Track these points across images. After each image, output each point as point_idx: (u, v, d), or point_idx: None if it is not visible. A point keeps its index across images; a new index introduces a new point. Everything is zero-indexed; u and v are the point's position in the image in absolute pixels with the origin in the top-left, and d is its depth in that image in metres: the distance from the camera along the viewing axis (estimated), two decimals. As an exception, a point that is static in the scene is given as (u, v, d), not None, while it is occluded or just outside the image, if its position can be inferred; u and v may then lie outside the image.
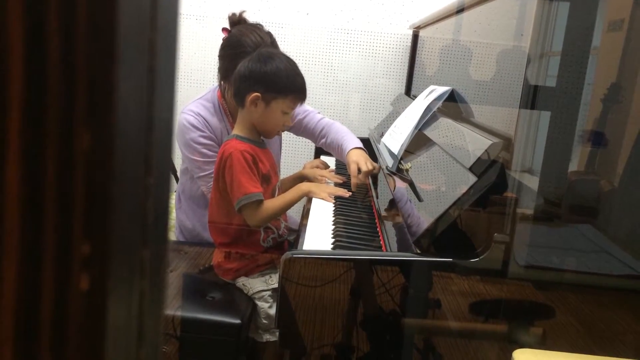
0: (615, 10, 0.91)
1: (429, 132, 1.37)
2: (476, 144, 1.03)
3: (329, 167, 1.86)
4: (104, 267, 0.16)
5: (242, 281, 1.45)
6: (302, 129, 1.83)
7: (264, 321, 1.43)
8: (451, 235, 0.99)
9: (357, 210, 1.45)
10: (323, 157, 2.02)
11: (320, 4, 2.31)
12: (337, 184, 1.64)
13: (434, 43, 1.91)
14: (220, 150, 1.41)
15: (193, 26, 2.33)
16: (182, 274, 1.59)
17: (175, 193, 1.93)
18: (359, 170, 1.53)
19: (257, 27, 1.60)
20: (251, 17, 1.67)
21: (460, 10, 1.49)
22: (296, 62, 1.45)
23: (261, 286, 1.44)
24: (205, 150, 1.60)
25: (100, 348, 0.16)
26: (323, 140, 1.79)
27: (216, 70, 1.67)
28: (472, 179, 0.97)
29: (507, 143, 0.96)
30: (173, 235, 1.88)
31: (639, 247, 0.90)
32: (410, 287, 0.99)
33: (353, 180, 1.52)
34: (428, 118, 1.41)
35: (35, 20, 0.15)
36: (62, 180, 0.15)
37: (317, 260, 1.00)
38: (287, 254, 1.00)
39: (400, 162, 1.38)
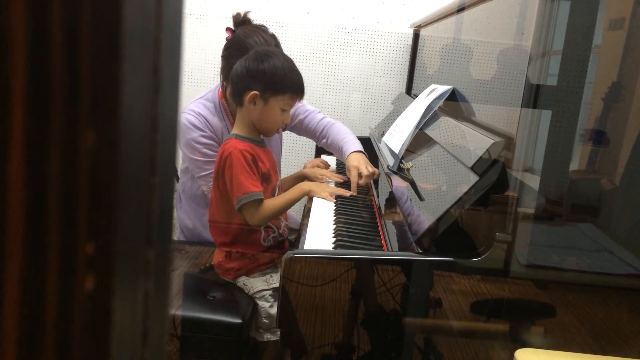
0: (616, 9, 0.90)
1: (430, 132, 1.36)
2: (477, 143, 1.03)
3: (329, 166, 1.86)
4: (109, 267, 0.16)
5: (242, 281, 1.45)
6: (303, 129, 1.83)
7: (265, 321, 1.43)
8: (452, 235, 0.98)
9: (358, 210, 1.45)
10: (324, 157, 2.02)
11: (321, 3, 2.31)
12: (337, 184, 1.64)
13: (435, 42, 1.91)
14: (220, 150, 1.41)
15: (194, 25, 2.32)
16: (182, 274, 1.59)
17: (175, 192, 1.93)
18: (360, 175, 1.52)
19: (261, 29, 1.60)
20: (252, 16, 1.67)
21: (461, 9, 1.49)
22: (297, 60, 1.44)
23: (262, 286, 1.44)
24: (205, 150, 1.60)
25: (105, 349, 0.16)
26: (324, 140, 1.79)
27: (216, 69, 1.67)
28: (473, 178, 0.96)
29: (509, 142, 0.96)
30: (174, 235, 1.88)
31: (641, 246, 0.90)
32: (411, 287, 0.99)
33: (353, 184, 1.51)
34: (429, 117, 1.41)
35: (39, 18, 0.14)
36: (66, 180, 0.15)
37: (318, 260, 1.00)
38: (288, 254, 1.00)
39: (401, 162, 1.37)
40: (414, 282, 0.99)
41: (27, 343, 0.15)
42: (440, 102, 1.41)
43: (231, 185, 1.36)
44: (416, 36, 2.24)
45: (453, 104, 1.40)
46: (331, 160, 1.96)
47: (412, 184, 1.22)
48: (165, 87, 0.18)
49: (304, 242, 1.20)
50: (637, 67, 0.88)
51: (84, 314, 0.16)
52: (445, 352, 1.02)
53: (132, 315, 0.17)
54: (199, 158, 1.61)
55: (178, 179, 1.92)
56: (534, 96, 0.92)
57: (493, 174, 0.95)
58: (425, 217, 1.05)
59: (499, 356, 0.97)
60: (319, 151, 2.10)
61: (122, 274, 0.16)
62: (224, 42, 1.62)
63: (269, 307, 1.43)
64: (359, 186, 1.53)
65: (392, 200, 1.35)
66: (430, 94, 1.48)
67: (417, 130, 1.41)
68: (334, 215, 1.39)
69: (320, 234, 1.26)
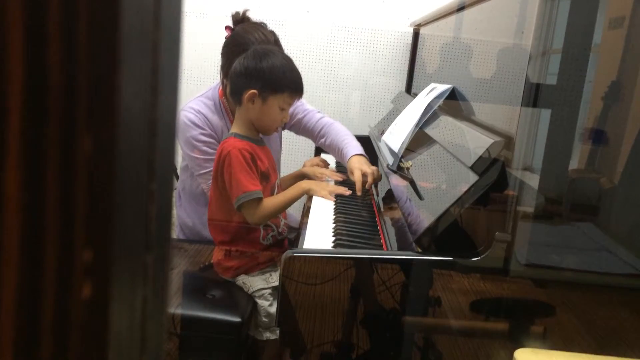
0: (616, 8, 0.90)
1: (429, 131, 1.36)
2: (477, 143, 1.03)
3: (329, 165, 1.86)
4: (106, 274, 0.16)
5: (242, 279, 1.45)
6: (301, 128, 1.82)
7: (264, 319, 1.43)
8: (452, 234, 0.98)
9: (357, 209, 1.45)
10: (323, 155, 2.02)
11: (321, 2, 2.31)
12: (337, 182, 1.63)
13: (435, 41, 1.91)
14: (219, 149, 1.41)
15: (193, 23, 2.32)
16: (182, 272, 1.59)
17: (175, 191, 1.92)
18: (365, 174, 1.51)
19: (261, 26, 1.60)
20: (251, 14, 1.67)
21: (461, 8, 1.49)
22: (296, 59, 1.44)
23: (261, 284, 1.44)
24: (205, 148, 1.60)
25: (103, 356, 0.16)
26: (322, 140, 1.78)
27: (216, 67, 1.66)
28: (473, 177, 0.96)
29: (508, 141, 0.96)
30: (173, 233, 1.88)
31: (640, 245, 0.90)
32: (410, 286, 0.99)
33: (358, 185, 1.50)
34: (429, 116, 1.41)
35: (36, 20, 0.14)
36: (64, 185, 0.15)
37: (318, 259, 1.00)
38: (288, 253, 1.00)
39: (401, 160, 1.37)
40: (414, 281, 0.99)
41: (24, 350, 0.15)
42: (440, 101, 1.41)
43: (230, 184, 1.36)
44: (416, 35, 2.24)
45: (453, 102, 1.40)
46: (331, 159, 1.96)
47: (412, 183, 1.21)
48: (164, 90, 0.18)
49: (303, 241, 1.20)
50: (637, 66, 0.88)
51: (81, 321, 0.16)
52: (445, 351, 1.02)
53: (130, 321, 0.17)
54: (199, 156, 1.60)
55: (177, 177, 1.92)
56: (533, 95, 0.92)
57: (493, 173, 0.95)
58: (424, 216, 1.05)
59: (498, 355, 0.97)
60: (319, 150, 2.10)
61: (119, 280, 0.16)
62: (224, 40, 1.62)
63: (269, 305, 1.43)
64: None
65: (391, 200, 1.35)
66: (429, 92, 1.47)
67: (417, 129, 1.40)
68: (334, 214, 1.39)
69: (319, 232, 1.26)
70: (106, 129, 0.15)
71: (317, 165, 1.82)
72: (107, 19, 0.14)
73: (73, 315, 0.16)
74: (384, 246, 1.20)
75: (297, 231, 1.42)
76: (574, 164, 0.94)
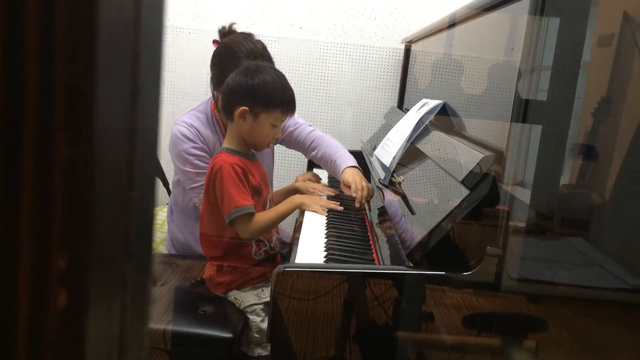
0: (605, 25, 0.91)
1: (421, 145, 1.37)
2: (468, 157, 1.04)
3: (321, 179, 1.86)
4: (83, 282, 0.15)
5: (234, 295, 1.44)
6: (292, 142, 1.82)
7: (256, 335, 1.42)
8: (444, 249, 0.98)
9: (349, 223, 1.45)
10: (315, 170, 2.02)
11: (313, 18, 2.33)
12: (329, 197, 1.63)
13: (426, 57, 1.92)
14: (211, 164, 1.40)
15: (187, 39, 2.33)
16: (173, 288, 1.57)
17: (167, 205, 1.92)
18: (362, 188, 1.51)
19: (248, 35, 1.61)
20: (244, 31, 1.68)
21: (451, 25, 1.50)
22: (289, 75, 1.45)
23: (253, 300, 1.43)
24: (197, 162, 1.60)
25: (79, 366, 0.15)
26: (314, 153, 1.78)
27: (208, 83, 1.67)
28: (464, 192, 0.96)
29: (499, 156, 0.96)
30: (165, 248, 1.87)
31: (631, 260, 0.90)
32: (403, 300, 0.98)
33: (358, 196, 1.49)
34: (420, 131, 1.41)
35: (13, 24, 0.14)
36: (39, 192, 0.15)
37: (310, 274, 1.00)
38: (279, 267, 0.99)
39: (392, 175, 1.37)
40: (406, 296, 0.98)
41: (-3, 360, 0.15)
42: (431, 117, 1.42)
43: (222, 199, 1.36)
44: (407, 51, 2.25)
45: (444, 118, 1.41)
46: (323, 174, 1.96)
47: (404, 198, 1.21)
48: (144, 97, 0.17)
49: (295, 255, 1.19)
50: (626, 82, 0.89)
51: (57, 331, 0.15)
52: (437, 367, 1.02)
53: (108, 331, 0.17)
54: (191, 170, 1.60)
55: (170, 192, 1.91)
56: (523, 111, 0.92)
57: (484, 187, 0.95)
58: (416, 231, 1.05)
59: (490, 371, 0.97)
60: (311, 164, 2.10)
61: (96, 289, 0.16)
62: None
63: (260, 321, 1.42)
64: (352, 202, 1.51)
65: (383, 214, 1.35)
66: (421, 108, 1.48)
67: (409, 144, 1.41)
68: (326, 229, 1.38)
69: (311, 247, 1.25)
70: (83, 135, 0.15)
71: (310, 180, 1.82)
72: (84, 23, 0.14)
73: (48, 324, 0.15)
74: (376, 261, 1.20)
75: (290, 246, 1.42)
76: (564, 179, 0.94)
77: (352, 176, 1.55)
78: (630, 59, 0.86)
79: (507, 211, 0.95)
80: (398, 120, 1.63)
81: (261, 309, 1.42)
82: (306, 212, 1.48)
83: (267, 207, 1.49)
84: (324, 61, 2.35)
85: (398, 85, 2.31)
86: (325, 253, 1.22)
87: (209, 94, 1.72)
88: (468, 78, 1.37)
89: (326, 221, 1.44)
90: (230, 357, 1.32)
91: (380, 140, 1.67)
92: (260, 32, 2.20)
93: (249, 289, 1.44)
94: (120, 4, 0.15)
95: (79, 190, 0.15)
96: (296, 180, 1.85)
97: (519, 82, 0.92)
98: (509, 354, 0.96)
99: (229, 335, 1.31)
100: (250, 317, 1.41)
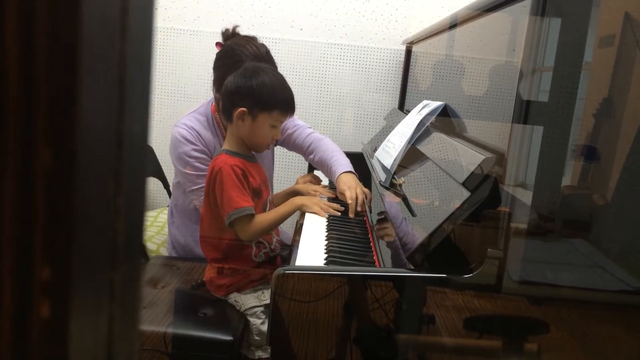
0: (606, 26, 0.91)
1: (422, 147, 1.36)
2: (469, 159, 1.03)
3: (321, 181, 1.85)
4: (67, 292, 0.15)
5: (234, 297, 1.44)
6: (291, 144, 1.82)
7: (256, 338, 1.41)
8: (445, 251, 0.98)
9: (350, 226, 1.44)
10: (316, 172, 2.01)
11: (314, 20, 2.32)
12: (330, 199, 1.63)
13: (427, 58, 1.92)
14: (210, 166, 1.40)
15: (187, 41, 2.33)
16: (174, 290, 1.57)
17: (168, 208, 1.91)
18: (356, 198, 1.49)
19: (252, 39, 1.61)
20: (245, 33, 1.67)
21: (453, 26, 1.50)
22: (290, 77, 1.45)
23: (253, 302, 1.42)
24: (197, 164, 1.59)
25: (64, 378, 0.15)
26: (311, 156, 1.77)
27: (209, 84, 1.67)
28: (465, 194, 0.96)
29: (500, 158, 0.96)
30: (165, 251, 1.87)
31: (633, 262, 0.90)
32: (404, 303, 0.98)
33: (351, 207, 1.48)
34: (421, 133, 1.41)
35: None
36: (21, 200, 0.14)
37: (310, 276, 0.99)
38: (279, 270, 0.99)
39: (393, 177, 1.37)
40: (407, 299, 0.98)
41: (-22, 373, 0.15)
42: (432, 118, 1.42)
43: (221, 201, 1.35)
44: (408, 52, 2.25)
45: (445, 119, 1.40)
46: (323, 176, 1.95)
47: (404, 200, 1.21)
48: (132, 102, 0.17)
49: (295, 258, 1.19)
50: (627, 83, 0.88)
51: (40, 342, 0.15)
52: (438, 369, 1.01)
53: (94, 341, 0.17)
54: (191, 172, 1.60)
55: (170, 194, 1.91)
56: (525, 112, 0.92)
57: (485, 189, 0.95)
58: (417, 233, 1.05)
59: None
60: (312, 166, 2.10)
61: (81, 299, 0.15)
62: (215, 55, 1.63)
63: (261, 323, 1.41)
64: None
65: (384, 217, 1.35)
66: (422, 109, 1.48)
67: (409, 146, 1.41)
68: (326, 231, 1.38)
69: (312, 249, 1.25)
70: (66, 141, 0.14)
71: (310, 182, 1.81)
72: (67, 27, 0.14)
73: (31, 335, 0.15)
74: (376, 263, 1.19)
75: (290, 248, 1.41)
76: (566, 180, 0.94)
77: (346, 184, 1.53)
78: (631, 60, 0.85)
79: (508, 213, 0.94)
80: (399, 122, 1.62)
81: (261, 312, 1.42)
82: (307, 214, 1.47)
83: (267, 209, 1.48)
84: (324, 62, 2.35)
85: (399, 86, 2.31)
86: (326, 255, 1.21)
87: (210, 96, 1.72)
88: (469, 79, 1.36)
89: (327, 223, 1.43)
90: (231, 359, 1.32)
91: (381, 142, 1.66)
92: (261, 34, 2.20)
93: (250, 292, 1.44)
94: (105, 8, 0.15)
95: (61, 200, 0.15)
96: (296, 182, 1.85)
97: (520, 83, 0.92)
98: (510, 357, 0.96)
99: (229, 337, 1.31)
100: (251, 319, 1.41)
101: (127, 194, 0.17)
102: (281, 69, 1.54)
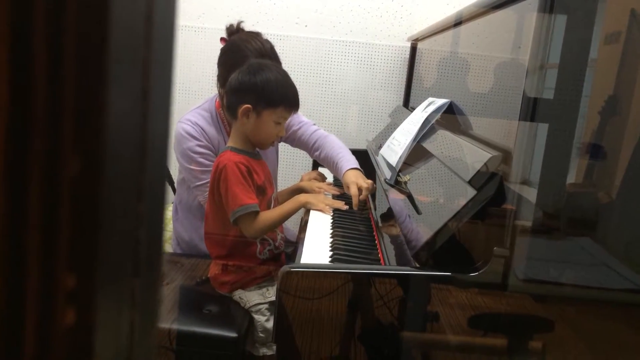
0: (612, 23, 0.90)
1: (427, 145, 1.36)
2: (475, 157, 1.03)
3: (326, 179, 1.85)
4: (91, 300, 0.15)
5: (238, 294, 1.44)
6: (296, 141, 1.82)
7: (261, 335, 1.42)
8: (450, 249, 0.98)
9: (355, 223, 1.44)
10: (320, 169, 2.01)
11: (319, 16, 2.32)
12: (334, 196, 1.63)
13: (432, 55, 1.91)
14: (215, 163, 1.40)
15: (192, 37, 2.33)
16: (178, 287, 1.57)
17: (172, 204, 1.92)
18: (360, 190, 1.51)
19: (256, 34, 1.61)
20: (250, 29, 1.67)
21: (458, 23, 1.50)
22: (294, 74, 1.45)
23: (258, 299, 1.43)
24: (202, 160, 1.60)
25: (87, 385, 0.15)
26: (317, 153, 1.78)
27: (213, 81, 1.66)
28: (471, 192, 0.96)
29: (506, 155, 0.95)
30: (170, 247, 1.87)
31: (638, 260, 0.89)
32: (408, 301, 0.98)
33: (354, 201, 1.50)
34: (426, 130, 1.41)
35: (21, 37, 0.14)
36: (47, 209, 0.14)
37: (315, 274, 0.99)
38: (285, 267, 0.99)
39: (398, 175, 1.37)
40: (411, 296, 0.98)
41: (4, 381, 0.15)
42: (438, 115, 1.41)
43: (226, 198, 1.35)
44: (413, 49, 2.24)
45: (450, 117, 1.40)
46: (328, 173, 1.95)
47: (410, 197, 1.21)
48: (155, 110, 0.17)
49: (300, 255, 1.19)
50: (633, 80, 0.88)
51: (64, 350, 0.15)
52: (443, 367, 1.01)
53: (115, 348, 0.17)
54: (195, 168, 1.60)
55: (175, 190, 1.91)
56: (531, 109, 0.92)
57: (490, 187, 0.95)
58: (422, 231, 1.04)
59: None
60: (316, 163, 2.10)
61: (105, 307, 0.15)
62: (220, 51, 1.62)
63: (265, 321, 1.42)
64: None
65: (389, 214, 1.35)
66: (427, 107, 1.48)
67: (415, 143, 1.40)
68: (331, 229, 1.38)
69: (317, 247, 1.25)
70: (93, 150, 0.14)
71: (315, 179, 1.81)
72: (95, 36, 0.14)
73: (55, 344, 0.15)
74: (381, 261, 1.19)
75: (295, 245, 1.41)
76: (571, 178, 0.94)
77: (351, 179, 1.55)
78: (637, 57, 0.85)
79: (514, 211, 0.94)
80: (404, 119, 1.62)
81: (266, 309, 1.42)
82: (311, 212, 1.47)
83: (272, 206, 1.48)
84: (329, 59, 2.34)
85: (404, 83, 2.30)
86: (331, 253, 1.22)
87: (214, 92, 1.72)
88: (475, 76, 1.36)
89: (331, 221, 1.43)
90: (235, 356, 1.32)
91: (386, 139, 1.66)
92: (266, 31, 2.20)
93: (254, 288, 1.44)
94: (131, 18, 0.15)
95: (86, 208, 0.15)
96: (301, 180, 1.85)
97: (527, 80, 0.92)
98: (515, 355, 0.96)
99: (233, 334, 1.31)
100: (255, 316, 1.41)
101: (148, 201, 0.17)
102: (285, 66, 1.54)
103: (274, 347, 1.37)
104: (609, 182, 0.93)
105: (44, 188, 0.14)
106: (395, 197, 1.32)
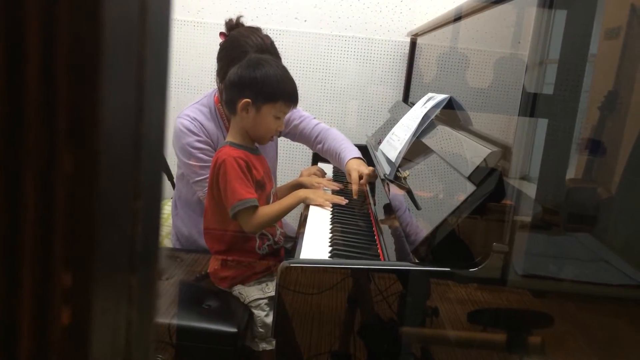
0: (612, 18, 0.90)
1: (427, 140, 1.36)
2: (474, 152, 1.03)
3: (325, 174, 1.85)
4: (87, 297, 0.15)
5: (238, 289, 1.44)
6: (298, 135, 1.83)
7: (260, 330, 1.42)
8: (449, 244, 0.98)
9: (354, 218, 1.44)
10: (320, 164, 2.01)
11: (318, 11, 2.31)
12: (334, 192, 1.63)
13: (432, 50, 1.91)
14: (214, 158, 1.40)
15: (191, 32, 2.32)
16: (178, 282, 1.58)
17: (171, 199, 1.92)
18: (361, 176, 1.53)
19: (256, 29, 1.60)
20: (249, 24, 1.67)
21: (458, 18, 1.49)
22: (293, 69, 1.44)
23: (257, 294, 1.43)
24: (201, 155, 1.59)
25: (84, 383, 0.15)
26: (320, 146, 1.78)
27: (213, 76, 1.66)
28: (470, 187, 0.96)
29: (505, 150, 0.95)
30: (169, 242, 1.87)
31: (638, 255, 0.90)
32: (408, 296, 0.98)
33: (354, 187, 1.51)
34: (426, 126, 1.40)
35: (14, 31, 0.14)
36: (42, 206, 0.14)
37: (315, 269, 0.99)
38: (285, 263, 0.99)
39: (398, 170, 1.37)
40: (411, 292, 0.98)
41: (-1, 379, 0.15)
42: (437, 111, 1.41)
43: (225, 193, 1.35)
44: (413, 44, 2.24)
45: (450, 112, 1.40)
46: (327, 168, 1.95)
47: (409, 193, 1.21)
48: (150, 105, 0.17)
49: (300, 250, 1.19)
50: (633, 76, 0.88)
51: (60, 349, 0.15)
52: (442, 362, 1.01)
53: (112, 346, 0.16)
54: (194, 163, 1.60)
55: (174, 185, 1.91)
56: (531, 105, 0.91)
57: (490, 183, 0.95)
58: (422, 226, 1.04)
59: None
60: (316, 158, 2.10)
61: (101, 305, 0.15)
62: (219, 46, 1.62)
63: (265, 316, 1.42)
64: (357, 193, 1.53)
65: (388, 209, 1.35)
66: (427, 102, 1.47)
67: (414, 138, 1.40)
68: (331, 224, 1.38)
69: (316, 242, 1.25)
70: (88, 145, 0.14)
71: (314, 174, 1.82)
72: (88, 29, 0.14)
73: (51, 342, 0.15)
74: (381, 256, 1.19)
75: (294, 240, 1.41)
76: (571, 173, 0.94)
77: (353, 166, 1.56)
78: (637, 52, 0.85)
79: (513, 206, 0.94)
80: (403, 115, 1.62)
81: (265, 304, 1.42)
82: (311, 207, 1.47)
83: (271, 201, 1.48)
84: (328, 54, 2.34)
85: (403, 78, 2.30)
86: (330, 248, 1.22)
87: (213, 87, 1.72)
88: (474, 72, 1.36)
89: (331, 216, 1.43)
90: (235, 351, 1.32)
91: (386, 135, 1.66)
92: (265, 26, 2.19)
93: (254, 284, 1.44)
94: (126, 10, 0.15)
95: (82, 204, 0.15)
96: (301, 175, 1.85)
97: (526, 76, 0.91)
98: (515, 350, 0.96)
99: (233, 329, 1.31)
100: (255, 311, 1.41)
101: (145, 197, 0.17)
102: (285, 61, 1.54)
103: (274, 342, 1.38)
104: (608, 177, 0.93)
105: (39, 185, 0.14)
106: (395, 193, 1.32)
